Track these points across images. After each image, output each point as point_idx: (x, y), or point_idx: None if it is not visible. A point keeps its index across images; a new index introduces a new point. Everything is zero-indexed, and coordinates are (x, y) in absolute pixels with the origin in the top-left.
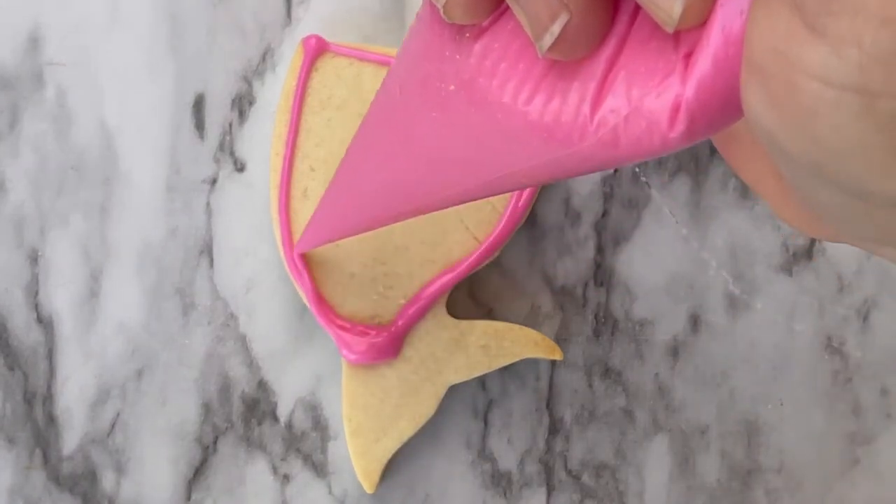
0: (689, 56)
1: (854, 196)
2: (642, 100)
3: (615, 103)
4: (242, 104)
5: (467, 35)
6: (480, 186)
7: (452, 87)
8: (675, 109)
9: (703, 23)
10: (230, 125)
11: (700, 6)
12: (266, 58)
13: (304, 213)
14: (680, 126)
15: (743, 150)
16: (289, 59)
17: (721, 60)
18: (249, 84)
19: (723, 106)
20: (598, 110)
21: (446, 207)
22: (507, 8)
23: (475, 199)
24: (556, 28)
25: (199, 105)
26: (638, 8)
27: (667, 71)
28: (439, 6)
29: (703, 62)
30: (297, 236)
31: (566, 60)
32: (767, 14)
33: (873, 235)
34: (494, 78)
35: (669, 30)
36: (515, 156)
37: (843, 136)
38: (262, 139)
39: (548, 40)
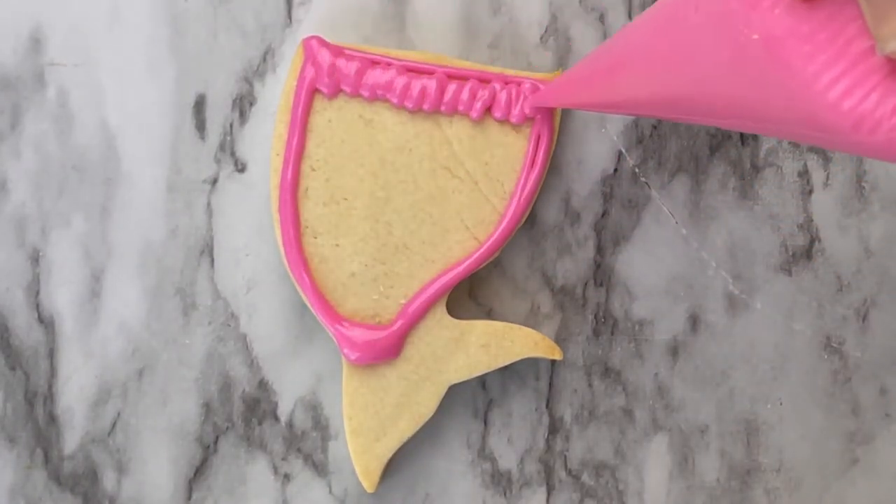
0: None
1: None
2: None
3: None
4: (243, 104)
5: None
6: (730, 120)
7: (756, 37)
8: None
9: None
10: (231, 125)
11: None
12: (267, 58)
13: (305, 212)
14: None
15: None
16: (289, 60)
17: None
18: (250, 84)
19: None
20: (882, 104)
21: (683, 120)
22: None
23: (712, 124)
24: None
25: (199, 105)
26: None
27: None
28: (881, 48)
29: None
30: (303, 237)
31: None
32: None
33: None
34: (807, 45)
35: (879, 53)
36: (786, 117)
37: None
38: (262, 139)
39: (893, 44)
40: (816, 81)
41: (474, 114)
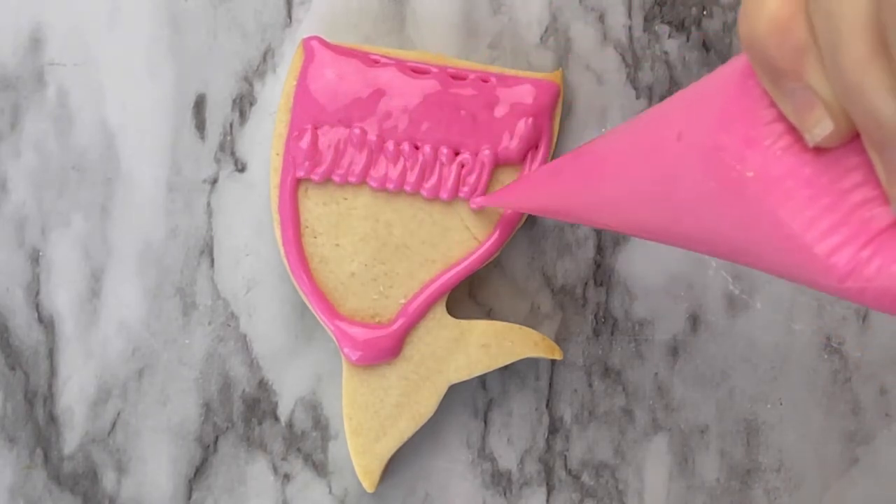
0: None
1: None
2: None
3: None
4: (243, 104)
5: (795, 138)
6: (709, 251)
7: (751, 174)
8: None
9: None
10: (231, 125)
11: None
12: (267, 58)
13: (305, 212)
14: None
15: None
16: (289, 60)
17: None
18: (250, 84)
19: None
20: (893, 265)
21: (661, 242)
22: (857, 138)
23: (688, 249)
24: None
25: (199, 105)
26: None
27: None
28: (807, 134)
29: None
30: (303, 237)
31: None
32: None
33: None
34: (807, 189)
35: (809, 143)
36: (771, 258)
37: None
38: (262, 139)
39: None
40: (811, 228)
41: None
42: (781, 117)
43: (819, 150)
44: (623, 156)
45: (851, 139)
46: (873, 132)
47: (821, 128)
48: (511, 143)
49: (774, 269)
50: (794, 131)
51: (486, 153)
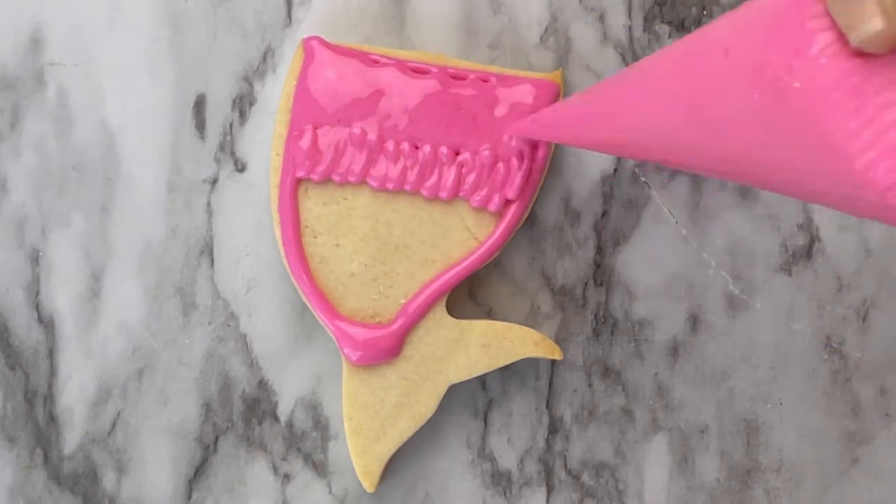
0: None
1: None
2: None
3: None
4: (243, 104)
5: (847, 49)
6: (747, 173)
7: (798, 85)
8: None
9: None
10: (231, 125)
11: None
12: (267, 58)
13: (305, 212)
14: None
15: None
16: (289, 60)
17: None
18: (250, 84)
19: None
20: None
21: (692, 170)
22: None
23: (720, 176)
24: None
25: (199, 105)
26: None
27: None
28: (853, 32)
29: None
30: (303, 237)
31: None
32: None
33: None
34: (853, 100)
35: (854, 42)
36: (814, 173)
37: None
38: (262, 139)
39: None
40: (854, 141)
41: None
42: (830, 26)
43: (866, 60)
44: (667, 76)
45: None
46: None
47: (870, 25)
48: (511, 143)
49: (816, 184)
50: (842, 40)
51: (486, 153)
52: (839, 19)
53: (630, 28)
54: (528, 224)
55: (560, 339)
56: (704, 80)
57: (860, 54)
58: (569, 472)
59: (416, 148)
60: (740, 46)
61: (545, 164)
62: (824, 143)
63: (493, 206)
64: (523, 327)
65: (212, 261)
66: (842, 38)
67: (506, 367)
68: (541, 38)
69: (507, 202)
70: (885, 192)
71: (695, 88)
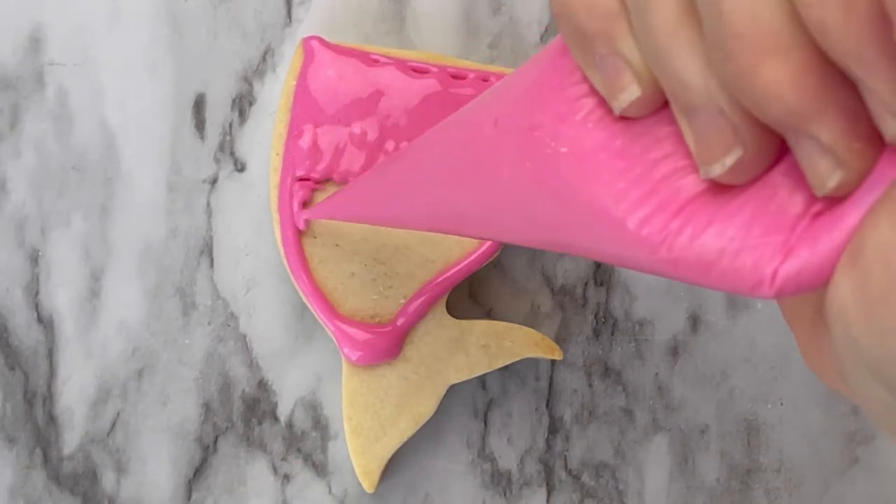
0: (817, 215)
1: None
2: (762, 239)
3: (733, 233)
4: (243, 104)
5: (611, 113)
6: (528, 239)
7: (565, 150)
8: (777, 272)
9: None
10: (230, 125)
11: (852, 185)
12: (266, 58)
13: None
14: (779, 284)
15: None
16: (289, 60)
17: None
18: (250, 84)
19: (819, 277)
20: (703, 233)
21: (481, 238)
22: (666, 107)
23: (512, 242)
24: (728, 161)
25: (199, 105)
26: (786, 151)
27: (790, 223)
28: (614, 101)
29: (830, 239)
30: (303, 237)
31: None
32: (891, 220)
33: None
34: (619, 161)
35: (818, 194)
36: (592, 238)
37: None
38: (262, 139)
39: (717, 169)
40: (622, 201)
41: None
42: (593, 91)
43: (630, 122)
44: (443, 150)
45: (661, 108)
46: (680, 96)
47: (629, 93)
48: None
49: (593, 249)
50: (605, 104)
51: None
52: (599, 89)
53: None
54: None
55: (560, 339)
56: (479, 152)
57: (624, 117)
58: (569, 472)
59: None
60: (508, 115)
61: None
62: (595, 206)
63: None
64: (523, 327)
65: (211, 261)
66: (604, 101)
67: (506, 367)
68: (541, 38)
69: None
70: (657, 248)
71: (471, 161)
